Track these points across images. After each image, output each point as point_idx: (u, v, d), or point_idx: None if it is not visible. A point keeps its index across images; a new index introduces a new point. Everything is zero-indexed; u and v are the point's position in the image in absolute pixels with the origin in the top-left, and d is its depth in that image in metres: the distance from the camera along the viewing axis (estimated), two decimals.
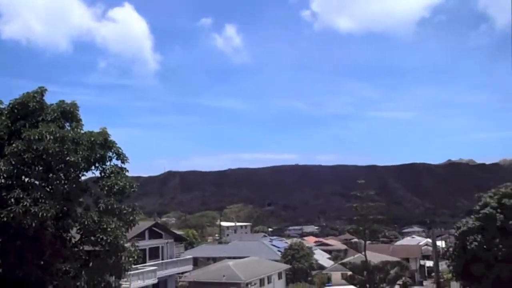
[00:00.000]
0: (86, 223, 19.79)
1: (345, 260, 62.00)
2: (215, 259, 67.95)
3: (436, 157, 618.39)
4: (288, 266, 63.75)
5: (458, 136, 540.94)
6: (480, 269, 31.41)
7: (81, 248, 21.26)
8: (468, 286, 35.16)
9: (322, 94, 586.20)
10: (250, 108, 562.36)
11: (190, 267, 50.95)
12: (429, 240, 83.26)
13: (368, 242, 61.13)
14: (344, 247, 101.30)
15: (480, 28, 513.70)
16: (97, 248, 20.79)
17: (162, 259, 46.46)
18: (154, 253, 46.12)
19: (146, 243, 44.00)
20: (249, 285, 49.62)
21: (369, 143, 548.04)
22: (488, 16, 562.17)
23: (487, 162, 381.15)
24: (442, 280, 57.04)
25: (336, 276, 63.54)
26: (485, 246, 30.90)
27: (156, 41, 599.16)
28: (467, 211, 35.61)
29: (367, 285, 28.40)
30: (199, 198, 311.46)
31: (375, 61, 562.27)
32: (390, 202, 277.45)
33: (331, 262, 76.70)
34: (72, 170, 19.78)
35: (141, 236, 41.25)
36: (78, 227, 20.53)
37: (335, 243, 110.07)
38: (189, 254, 61.40)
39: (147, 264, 42.27)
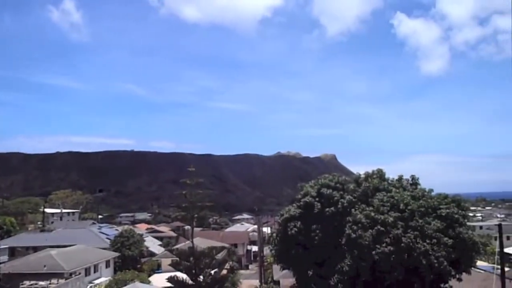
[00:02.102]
0: None
1: (175, 247, 62.46)
2: (36, 249, 62.92)
3: (267, 149, 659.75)
4: (117, 254, 62.21)
5: (287, 130, 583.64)
6: (299, 252, 33.92)
7: None
8: (287, 269, 37.67)
9: (162, 81, 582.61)
10: (85, 89, 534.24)
11: (5, 257, 46.46)
12: (257, 227, 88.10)
13: (199, 229, 62.95)
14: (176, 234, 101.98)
15: (313, 33, 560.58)
16: None
17: None
18: None
19: None
20: (72, 275, 46.97)
21: (206, 132, 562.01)
22: (320, 23, 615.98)
23: (311, 156, 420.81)
24: (265, 263, 60.94)
25: (166, 262, 63.40)
26: (304, 232, 33.39)
27: None
28: (291, 199, 38.10)
29: (193, 271, 28.75)
30: (21, 183, 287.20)
31: (217, 53, 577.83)
32: (223, 190, 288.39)
33: (162, 249, 76.64)
34: None
35: None
36: None
37: (167, 230, 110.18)
38: (5, 244, 55.93)
39: None
